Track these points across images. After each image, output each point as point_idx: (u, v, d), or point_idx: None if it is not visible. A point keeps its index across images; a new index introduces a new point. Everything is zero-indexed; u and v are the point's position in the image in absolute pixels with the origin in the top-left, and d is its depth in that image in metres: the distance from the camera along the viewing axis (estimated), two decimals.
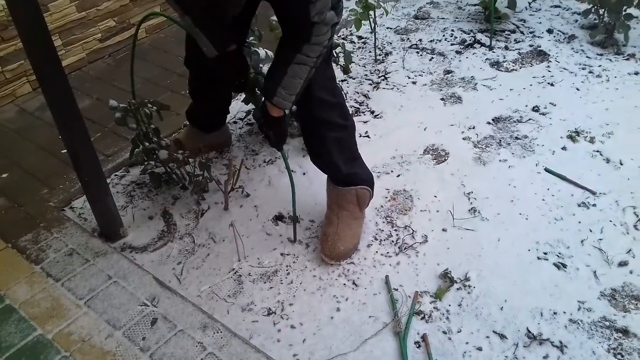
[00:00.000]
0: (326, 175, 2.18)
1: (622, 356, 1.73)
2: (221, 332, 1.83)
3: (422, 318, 1.89)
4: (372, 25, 3.29)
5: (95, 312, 1.91)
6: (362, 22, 3.15)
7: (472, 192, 2.36)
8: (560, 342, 1.78)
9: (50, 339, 1.83)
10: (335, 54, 2.76)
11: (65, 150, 2.51)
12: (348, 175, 2.10)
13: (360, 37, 3.62)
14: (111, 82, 3.23)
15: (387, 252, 2.13)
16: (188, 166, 2.38)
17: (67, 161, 2.52)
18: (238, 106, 2.90)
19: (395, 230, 2.23)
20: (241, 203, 2.39)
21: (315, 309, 1.94)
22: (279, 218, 2.31)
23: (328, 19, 1.63)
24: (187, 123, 2.65)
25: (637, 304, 1.88)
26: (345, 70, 2.84)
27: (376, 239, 2.19)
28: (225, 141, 2.70)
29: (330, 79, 2.00)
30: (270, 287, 2.02)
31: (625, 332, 1.79)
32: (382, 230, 2.23)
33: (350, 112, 2.88)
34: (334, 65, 2.82)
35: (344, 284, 2.02)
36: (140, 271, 2.06)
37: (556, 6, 3.83)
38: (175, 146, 2.39)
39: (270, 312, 1.94)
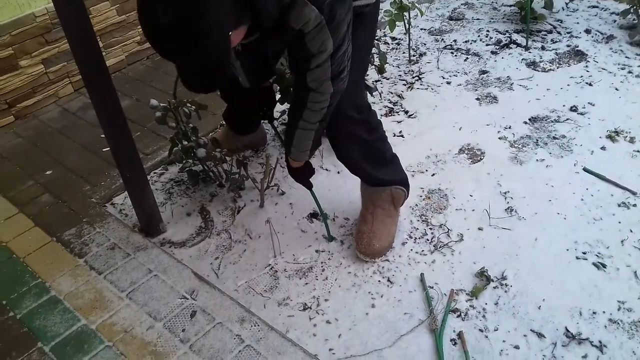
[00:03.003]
0: None
1: None
2: (258, 325, 1.86)
3: (458, 316, 1.88)
4: (407, 26, 3.29)
5: (136, 304, 1.96)
6: (397, 23, 3.15)
7: (508, 192, 2.34)
8: (600, 342, 1.75)
9: (94, 329, 1.88)
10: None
11: (107, 149, 2.60)
12: (380, 179, 2.11)
13: (394, 39, 3.63)
14: (149, 83, 3.31)
15: (422, 250, 2.13)
16: (225, 164, 2.43)
17: (108, 159, 2.60)
18: None
19: (431, 228, 2.23)
20: (276, 201, 2.42)
21: (351, 305, 1.95)
22: (313, 216, 2.34)
23: (323, 88, 1.66)
24: (224, 123, 2.70)
25: None
26: (380, 70, 2.85)
27: (411, 237, 2.19)
28: (261, 140, 2.74)
29: (359, 97, 1.99)
30: (306, 283, 2.05)
31: None
32: (417, 229, 2.23)
33: (385, 112, 2.92)
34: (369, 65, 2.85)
35: (379, 281, 2.03)
36: (179, 265, 2.10)
37: (594, 6, 3.78)
38: (212, 145, 2.43)
39: (306, 307, 1.96)
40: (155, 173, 2.64)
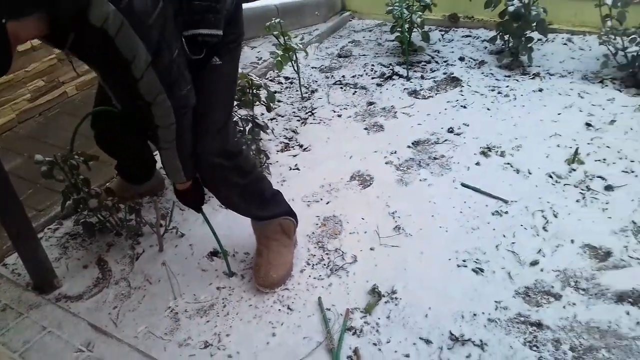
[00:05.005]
0: None
1: (537, 347, 1.86)
2: None
3: (354, 333, 1.97)
4: (296, 66, 3.46)
5: None
6: (286, 63, 3.31)
7: (396, 212, 2.50)
8: (481, 341, 1.89)
9: None
10: (257, 95, 2.89)
11: None
12: (266, 216, 2.19)
13: (287, 78, 3.79)
14: (43, 140, 3.25)
15: (320, 275, 2.22)
16: (120, 212, 2.43)
17: None
18: None
19: (327, 253, 2.33)
20: (176, 243, 2.44)
21: (252, 337, 2.00)
22: (214, 254, 2.38)
23: (159, 101, 1.65)
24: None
25: (548, 299, 2.03)
26: (268, 108, 2.98)
27: (309, 264, 2.28)
28: (159, 186, 2.75)
29: (225, 142, 1.98)
30: (207, 321, 2.07)
31: (539, 325, 1.93)
32: (314, 255, 2.32)
33: (281, 147, 3.03)
34: (260, 104, 2.97)
35: (279, 310, 2.09)
36: (74, 319, 2.07)
37: (467, 36, 4.13)
38: (107, 195, 2.43)
39: (207, 344, 1.98)
40: (49, 229, 2.59)
